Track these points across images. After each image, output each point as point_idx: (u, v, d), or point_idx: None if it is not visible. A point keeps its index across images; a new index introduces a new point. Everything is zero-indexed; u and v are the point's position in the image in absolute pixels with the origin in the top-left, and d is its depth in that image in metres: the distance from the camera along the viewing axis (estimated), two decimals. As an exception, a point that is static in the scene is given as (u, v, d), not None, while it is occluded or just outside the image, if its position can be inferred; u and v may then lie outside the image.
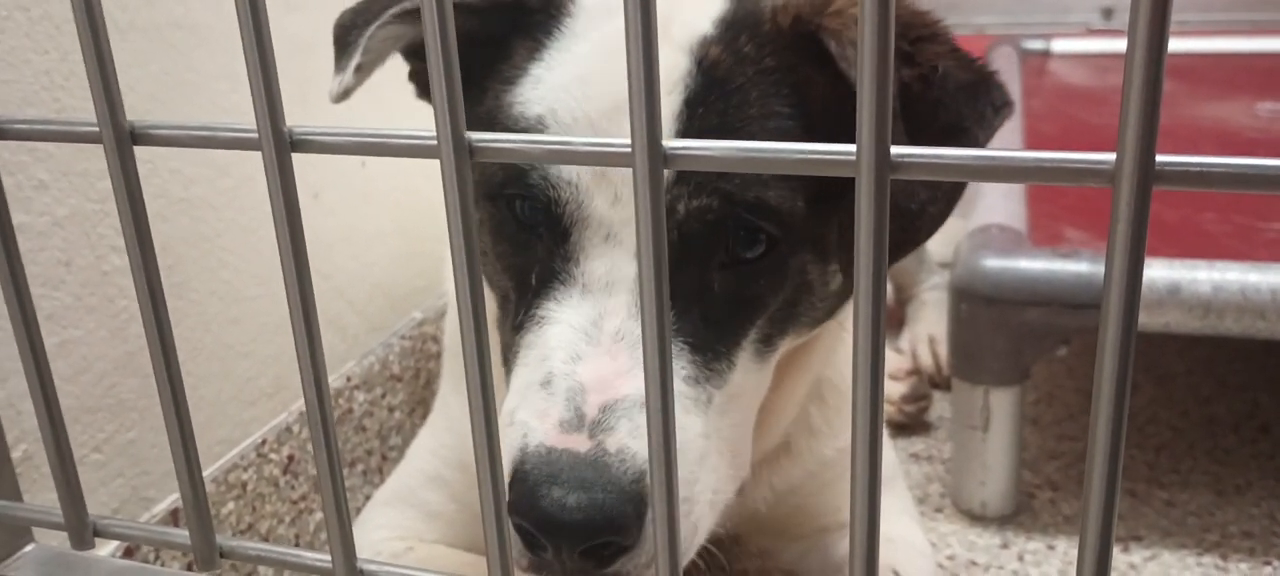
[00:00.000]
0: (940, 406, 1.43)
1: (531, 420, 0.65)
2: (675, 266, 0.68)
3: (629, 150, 0.41)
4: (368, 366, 1.24)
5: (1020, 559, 1.13)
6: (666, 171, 0.65)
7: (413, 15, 0.75)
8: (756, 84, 0.70)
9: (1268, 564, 1.11)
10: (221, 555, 0.59)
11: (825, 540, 1.00)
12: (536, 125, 0.70)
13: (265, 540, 1.06)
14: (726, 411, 0.71)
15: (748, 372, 0.73)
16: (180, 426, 0.56)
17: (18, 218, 0.77)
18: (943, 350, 1.48)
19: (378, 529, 0.97)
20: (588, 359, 0.66)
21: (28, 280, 0.59)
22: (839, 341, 0.89)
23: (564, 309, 0.68)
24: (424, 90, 0.82)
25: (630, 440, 0.63)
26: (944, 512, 1.22)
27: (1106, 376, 0.38)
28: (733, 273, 0.70)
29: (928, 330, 1.52)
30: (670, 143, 0.41)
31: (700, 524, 0.69)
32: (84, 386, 0.87)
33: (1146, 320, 1.06)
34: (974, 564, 1.13)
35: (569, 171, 0.68)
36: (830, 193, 0.70)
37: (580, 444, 0.63)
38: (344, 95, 0.76)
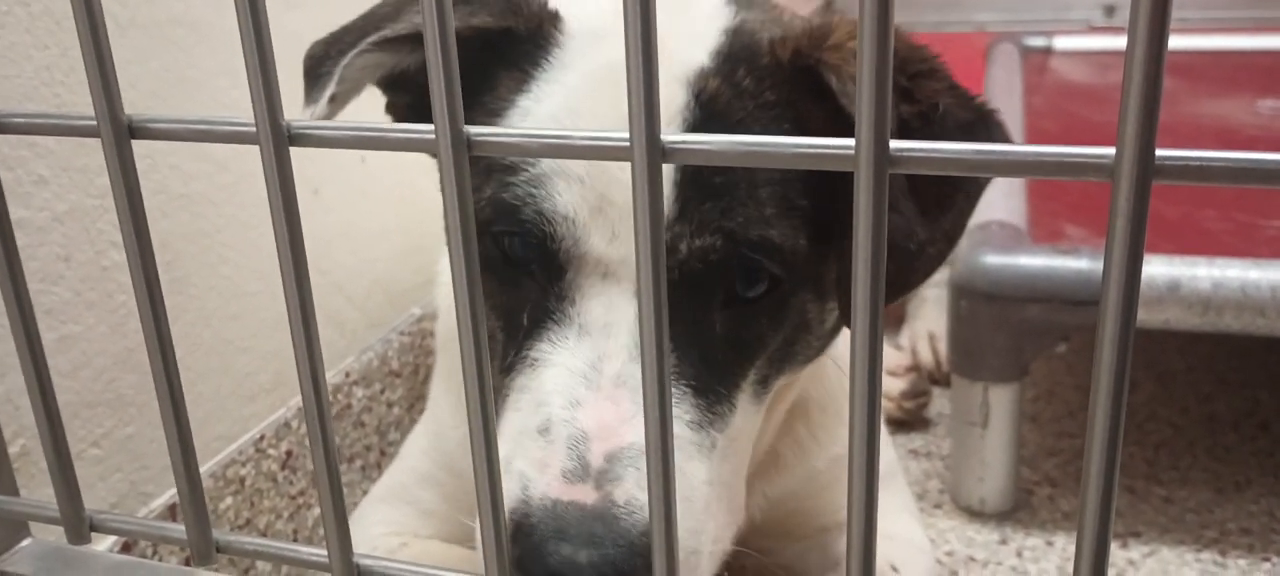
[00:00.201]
0: (940, 403, 1.43)
1: (530, 470, 0.62)
2: (676, 308, 0.65)
3: (627, 144, 0.41)
4: (366, 362, 1.24)
5: (1018, 555, 1.13)
6: (668, 209, 0.65)
7: (392, 44, 0.72)
8: (757, 118, 0.68)
9: (1266, 560, 1.11)
10: (218, 550, 0.59)
11: (824, 538, 0.99)
12: (527, 160, 0.67)
13: (263, 535, 1.06)
14: (727, 456, 0.69)
15: (746, 415, 0.71)
16: (177, 421, 0.56)
17: (17, 213, 0.77)
18: (942, 347, 1.48)
19: (373, 525, 0.97)
20: (588, 404, 0.63)
21: (26, 275, 0.59)
22: (823, 364, 0.86)
23: (559, 351, 0.65)
24: (401, 119, 0.79)
25: (638, 491, 0.60)
26: (943, 509, 1.22)
27: (1105, 370, 0.38)
28: (733, 313, 0.68)
29: (927, 326, 1.52)
30: (669, 137, 0.41)
31: None
32: (83, 381, 0.87)
33: (1146, 317, 1.06)
34: (972, 559, 1.13)
35: (565, 207, 0.65)
36: (830, 231, 0.69)
37: (586, 496, 0.60)
38: None
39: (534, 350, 0.67)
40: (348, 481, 1.21)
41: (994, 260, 1.10)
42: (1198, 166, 0.35)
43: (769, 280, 0.68)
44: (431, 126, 0.44)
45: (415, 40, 0.72)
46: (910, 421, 1.40)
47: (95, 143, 0.51)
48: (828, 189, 0.68)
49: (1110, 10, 2.08)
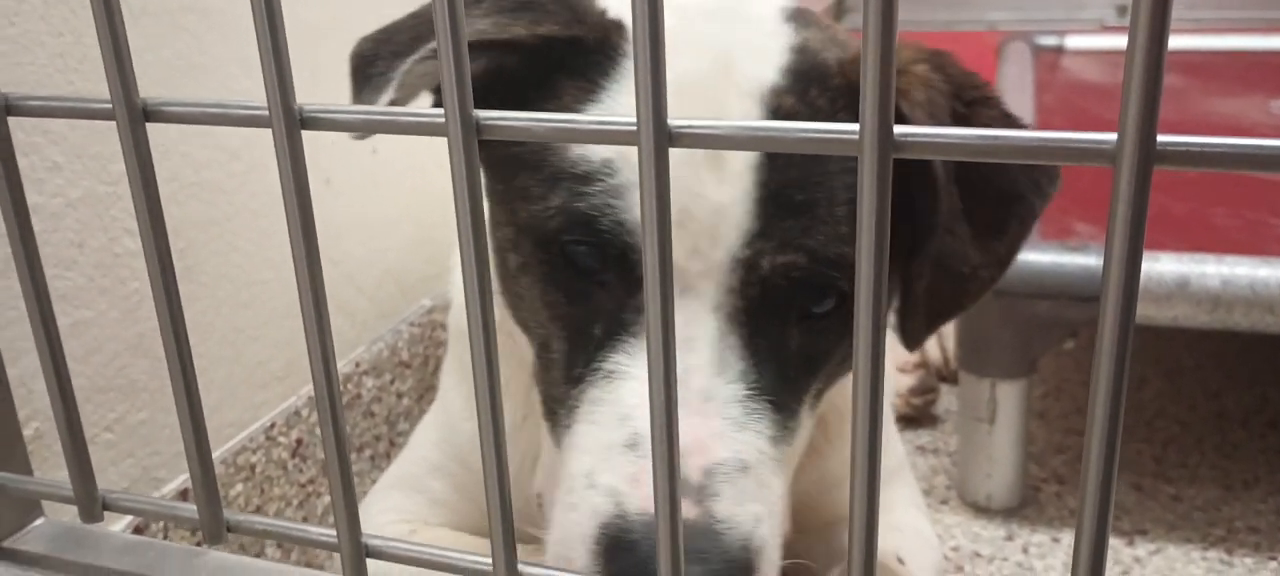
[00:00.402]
0: (947, 399, 1.43)
1: (622, 485, 0.62)
2: (758, 323, 0.66)
3: (634, 128, 0.42)
4: (377, 352, 1.25)
5: (1025, 551, 1.13)
6: (750, 226, 0.64)
7: None
8: None
9: (1273, 558, 1.11)
10: (229, 530, 0.59)
11: (831, 530, 1.00)
12: (603, 168, 0.66)
13: (274, 523, 1.07)
14: (791, 468, 0.70)
15: (805, 427, 0.72)
16: (190, 403, 0.57)
17: (32, 199, 0.78)
18: (950, 343, 1.48)
19: (383, 512, 0.98)
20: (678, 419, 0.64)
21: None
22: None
23: (639, 364, 0.64)
24: None
25: (736, 507, 0.61)
26: (949, 504, 1.22)
27: (1105, 361, 0.39)
28: (805, 328, 0.68)
29: (936, 323, 1.52)
30: (675, 120, 0.41)
31: None
32: (95, 367, 0.87)
33: (1155, 314, 1.06)
34: (978, 555, 1.13)
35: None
36: (895, 249, 0.70)
37: (687, 511, 0.59)
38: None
39: (608, 362, 0.66)
40: (357, 471, 1.21)
41: (1002, 255, 1.10)
42: (1199, 152, 0.36)
43: (838, 296, 0.68)
44: (441, 111, 0.45)
45: (477, 48, 0.69)
46: (918, 417, 1.40)
47: (109, 129, 0.52)
48: (898, 208, 0.69)
49: (1122, 9, 2.07)
